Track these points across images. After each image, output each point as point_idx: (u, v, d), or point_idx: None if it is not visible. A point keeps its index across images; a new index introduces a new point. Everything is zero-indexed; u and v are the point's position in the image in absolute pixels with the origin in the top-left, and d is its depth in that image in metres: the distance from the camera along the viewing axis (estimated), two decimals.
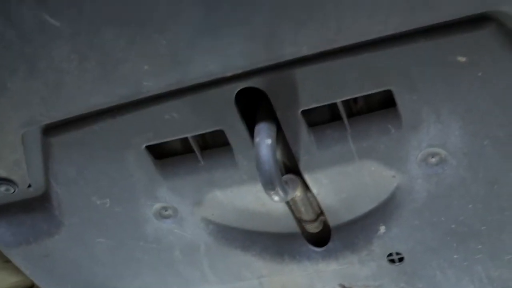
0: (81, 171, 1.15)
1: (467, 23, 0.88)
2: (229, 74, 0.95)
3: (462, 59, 0.91)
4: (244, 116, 1.04)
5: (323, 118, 1.05)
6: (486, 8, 0.85)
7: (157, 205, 1.19)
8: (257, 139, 0.99)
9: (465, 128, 0.99)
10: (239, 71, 0.95)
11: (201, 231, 1.23)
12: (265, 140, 0.98)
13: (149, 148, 1.11)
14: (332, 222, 1.20)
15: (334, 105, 1.01)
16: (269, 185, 0.98)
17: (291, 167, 1.11)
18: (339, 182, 1.11)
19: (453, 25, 0.88)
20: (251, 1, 0.84)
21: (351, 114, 1.03)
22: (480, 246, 1.15)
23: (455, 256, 1.18)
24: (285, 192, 1.01)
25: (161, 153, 1.15)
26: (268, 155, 0.97)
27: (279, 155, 1.08)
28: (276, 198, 1.00)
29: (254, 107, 1.05)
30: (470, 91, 0.95)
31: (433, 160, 1.04)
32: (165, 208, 1.19)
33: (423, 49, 0.91)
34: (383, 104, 1.02)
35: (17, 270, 1.46)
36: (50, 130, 1.10)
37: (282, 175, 1.06)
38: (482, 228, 1.12)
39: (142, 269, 1.33)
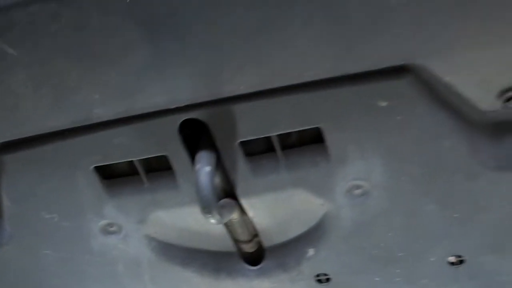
0: (32, 187, 1.19)
1: (387, 73, 0.96)
2: (173, 106, 1.02)
3: (383, 104, 1.00)
4: (188, 142, 1.10)
5: (259, 149, 1.12)
6: (403, 61, 0.94)
7: (103, 222, 1.23)
8: (197, 166, 1.05)
9: (386, 165, 1.07)
10: (183, 104, 1.02)
11: (144, 248, 1.28)
12: (204, 167, 1.05)
13: (98, 168, 1.16)
14: (266, 243, 1.27)
15: (269, 138, 1.09)
16: (206, 209, 1.05)
17: (229, 192, 1.17)
18: (273, 207, 1.19)
19: (375, 74, 0.96)
20: (194, 44, 0.91)
21: (285, 147, 1.10)
22: (398, 270, 1.24)
23: (376, 279, 1.26)
24: (221, 215, 1.07)
25: (109, 173, 1.20)
26: (206, 181, 1.04)
27: (218, 180, 1.14)
28: (212, 221, 1.07)
29: (198, 135, 1.11)
30: (390, 132, 1.03)
31: (358, 191, 1.12)
32: (111, 225, 1.24)
33: (349, 93, 0.99)
34: (314, 139, 1.09)
35: None
36: (3, 148, 1.13)
37: (221, 199, 1.13)
38: (400, 254, 1.20)
39: (87, 281, 1.37)
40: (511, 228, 1.13)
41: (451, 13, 0.86)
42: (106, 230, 1.25)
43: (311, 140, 1.10)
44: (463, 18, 0.87)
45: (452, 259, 1.20)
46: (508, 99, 0.97)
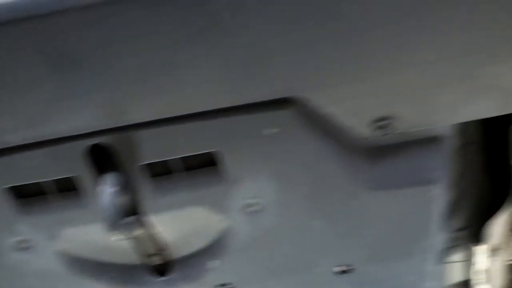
0: None
1: (273, 104, 1.05)
2: (79, 132, 1.08)
3: (271, 131, 1.09)
4: (98, 164, 1.17)
5: (162, 171, 1.19)
6: (286, 94, 1.04)
7: (16, 239, 1.27)
8: (102, 187, 1.12)
9: (277, 185, 1.17)
10: (88, 131, 1.08)
11: (56, 262, 1.32)
12: (108, 188, 1.12)
13: (11, 188, 1.20)
14: (172, 256, 1.34)
15: (171, 160, 1.17)
16: (111, 227, 1.12)
17: (135, 210, 1.24)
18: (177, 223, 1.27)
19: (263, 105, 1.06)
20: (98, 78, 0.98)
21: (186, 169, 1.19)
22: (293, 280, 1.34)
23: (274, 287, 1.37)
24: (125, 232, 1.15)
25: (22, 192, 1.24)
26: (110, 201, 1.11)
27: (124, 199, 1.21)
28: (117, 237, 1.14)
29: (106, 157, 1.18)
30: (279, 157, 1.13)
31: (252, 209, 1.21)
32: (23, 241, 1.29)
33: (241, 121, 1.08)
34: (211, 161, 1.18)
35: None
36: None
37: (127, 216, 1.20)
38: (293, 265, 1.31)
39: None
40: (390, 240, 1.26)
41: (327, 54, 0.97)
42: (19, 247, 1.29)
43: (209, 163, 1.18)
44: (339, 58, 0.98)
45: (337, 269, 1.31)
46: (380, 127, 1.08)
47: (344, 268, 1.30)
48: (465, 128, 1.31)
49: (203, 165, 1.18)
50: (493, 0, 0.91)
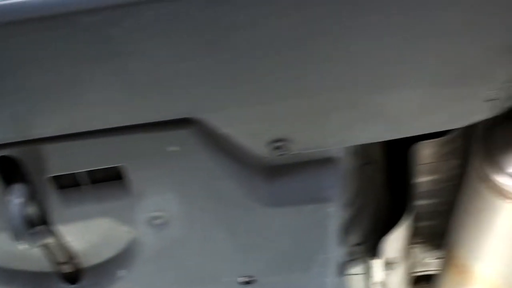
0: None
1: (175, 123, 1.10)
2: None
3: (174, 148, 1.14)
4: (6, 175, 1.19)
5: (70, 183, 1.22)
6: (186, 115, 1.09)
7: None
8: (9, 198, 1.15)
9: (181, 199, 1.22)
10: None
11: None
12: (15, 199, 1.15)
13: None
14: (82, 265, 1.38)
15: (78, 173, 1.20)
16: (17, 237, 1.15)
17: (44, 220, 1.27)
18: (86, 233, 1.30)
19: (165, 124, 1.11)
20: (4, 94, 1.01)
21: (93, 181, 1.22)
22: None
23: None
24: (32, 242, 1.18)
25: None
26: (17, 212, 1.14)
27: (33, 209, 1.24)
28: (24, 247, 1.17)
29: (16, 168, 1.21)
30: (182, 173, 1.18)
31: (158, 221, 1.25)
32: None
33: (145, 139, 1.12)
34: (118, 175, 1.22)
35: None
36: None
37: (35, 226, 1.22)
38: (199, 275, 1.36)
39: None
40: (289, 253, 1.32)
41: (223, 80, 1.02)
42: None
43: (116, 176, 1.22)
44: (234, 84, 1.03)
45: (241, 279, 1.36)
46: (276, 148, 1.14)
47: (247, 279, 1.35)
48: (364, 149, 1.39)
49: (110, 178, 1.23)
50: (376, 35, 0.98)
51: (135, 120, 1.09)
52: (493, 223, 1.32)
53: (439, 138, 1.42)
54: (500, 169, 1.25)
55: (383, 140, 1.20)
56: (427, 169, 1.57)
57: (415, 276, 1.97)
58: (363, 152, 1.39)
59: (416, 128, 1.14)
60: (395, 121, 1.11)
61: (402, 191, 1.50)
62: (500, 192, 1.25)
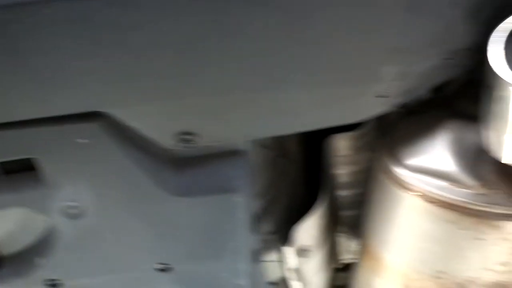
0: None
1: (84, 117, 1.13)
2: None
3: (84, 141, 1.17)
4: None
5: None
6: (94, 108, 1.12)
7: None
8: None
9: (94, 190, 1.25)
10: None
11: None
12: None
13: None
14: (3, 253, 1.40)
15: None
16: None
17: None
18: (4, 221, 1.32)
19: (75, 117, 1.13)
20: None
21: (6, 172, 1.24)
22: (119, 276, 1.42)
23: (100, 283, 1.44)
24: None
25: None
26: None
27: None
28: None
29: None
30: (93, 164, 1.21)
31: (73, 211, 1.28)
32: None
33: (56, 131, 1.15)
34: (31, 166, 1.24)
35: None
36: None
37: None
38: (119, 262, 1.39)
39: None
40: (202, 241, 1.36)
41: (125, 75, 1.06)
42: None
43: (30, 167, 1.25)
44: (137, 79, 1.07)
45: (159, 266, 1.40)
46: (183, 141, 1.18)
47: (163, 267, 1.39)
48: (276, 142, 1.44)
49: (23, 169, 1.25)
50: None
51: (43, 113, 1.12)
52: (395, 213, 1.38)
53: (352, 132, 1.49)
54: (398, 161, 1.31)
55: (285, 134, 1.25)
56: (345, 161, 1.63)
57: (343, 264, 2.03)
58: (274, 145, 1.44)
59: (314, 123, 1.19)
60: (293, 116, 1.17)
61: (317, 182, 1.56)
62: (399, 183, 1.31)
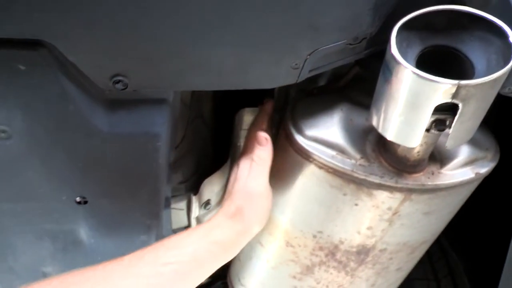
0: None
1: (26, 43, 1.06)
2: None
3: (22, 67, 1.10)
4: None
5: None
6: (35, 37, 1.04)
7: None
8: None
9: (24, 116, 1.17)
10: None
11: None
12: None
13: None
14: None
15: None
16: None
17: None
18: None
19: (18, 42, 1.06)
20: None
21: None
22: (40, 204, 1.33)
23: (19, 210, 1.35)
24: None
25: None
26: None
27: None
28: None
29: None
30: (27, 91, 1.13)
31: (3, 135, 1.19)
32: None
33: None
34: None
35: None
36: None
37: None
38: (40, 190, 1.30)
39: None
40: (121, 180, 1.31)
41: (68, 6, 0.99)
42: None
43: None
44: (78, 12, 1.00)
45: (78, 199, 1.33)
46: (115, 82, 1.13)
47: (80, 199, 1.33)
48: (195, 103, 1.42)
49: None
50: None
51: None
52: (293, 176, 1.40)
53: (258, 107, 1.49)
54: (300, 130, 1.33)
55: (207, 89, 1.23)
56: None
57: None
58: (194, 105, 1.42)
59: (235, 83, 1.18)
60: (217, 74, 1.15)
61: (226, 148, 1.55)
62: (299, 148, 1.33)
